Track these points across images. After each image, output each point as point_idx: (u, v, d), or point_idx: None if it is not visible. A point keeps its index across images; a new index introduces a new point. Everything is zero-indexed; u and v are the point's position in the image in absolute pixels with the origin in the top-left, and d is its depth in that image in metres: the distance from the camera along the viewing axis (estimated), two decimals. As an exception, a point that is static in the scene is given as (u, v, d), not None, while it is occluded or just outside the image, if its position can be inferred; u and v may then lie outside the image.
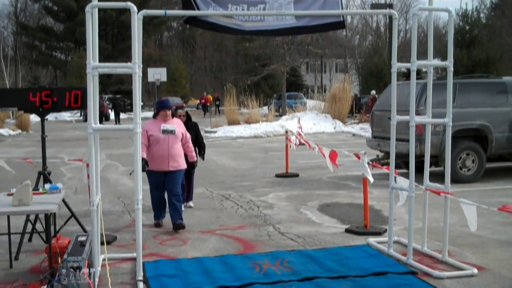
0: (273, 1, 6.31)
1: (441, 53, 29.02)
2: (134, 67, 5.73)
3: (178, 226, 8.25)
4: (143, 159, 7.73)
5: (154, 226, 8.57)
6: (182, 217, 8.43)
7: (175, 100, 47.69)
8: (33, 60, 67.35)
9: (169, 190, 8.37)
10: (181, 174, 8.54)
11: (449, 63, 6.54)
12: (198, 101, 59.47)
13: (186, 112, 9.69)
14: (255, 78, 44.62)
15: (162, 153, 8.20)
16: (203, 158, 9.79)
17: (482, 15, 36.39)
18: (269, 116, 32.73)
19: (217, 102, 51.10)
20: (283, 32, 6.85)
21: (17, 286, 5.61)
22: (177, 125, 8.44)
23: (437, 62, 7.74)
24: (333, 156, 9.47)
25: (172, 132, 8.26)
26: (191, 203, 9.97)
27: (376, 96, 33.25)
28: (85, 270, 4.52)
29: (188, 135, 8.72)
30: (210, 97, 52.01)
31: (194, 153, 8.95)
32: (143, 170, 7.47)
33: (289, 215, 9.34)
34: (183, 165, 8.48)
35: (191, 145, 8.81)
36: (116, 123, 37.37)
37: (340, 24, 6.58)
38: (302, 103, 39.02)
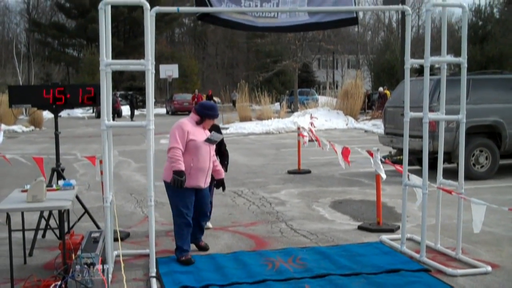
0: (286, -3, 6.29)
1: (454, 49, 28.83)
2: (147, 63, 5.74)
3: (204, 248, 7.10)
4: (180, 172, 6.27)
5: (183, 263, 6.50)
6: None
7: (187, 97, 47.80)
8: (45, 57, 67.74)
9: (201, 210, 6.85)
10: (210, 190, 7.30)
11: (463, 59, 6.50)
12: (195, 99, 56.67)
13: None
14: (267, 75, 44.63)
15: (202, 166, 6.59)
16: (226, 170, 7.75)
17: (495, 10, 36.08)
18: (281, 112, 32.69)
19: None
20: (296, 29, 6.82)
21: (31, 282, 5.65)
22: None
23: (450, 58, 7.70)
24: (345, 152, 9.45)
25: (217, 142, 6.86)
26: (209, 224, 8.26)
27: (387, 92, 33.16)
28: (98, 267, 4.54)
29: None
30: (204, 96, 47.76)
31: (221, 168, 7.24)
32: (179, 185, 6.27)
33: (301, 212, 9.33)
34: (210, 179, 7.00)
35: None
36: (131, 119, 37.54)
37: (353, 20, 6.54)
38: (314, 100, 38.93)
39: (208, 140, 6.59)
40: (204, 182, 6.66)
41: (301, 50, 42.14)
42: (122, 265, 5.23)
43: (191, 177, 6.47)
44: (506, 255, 6.76)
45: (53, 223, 7.46)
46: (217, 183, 7.13)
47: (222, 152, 7.92)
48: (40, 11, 79.69)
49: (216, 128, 7.21)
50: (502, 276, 6.02)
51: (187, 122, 6.60)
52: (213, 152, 6.82)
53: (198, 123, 6.66)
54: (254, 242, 7.57)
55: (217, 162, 7.17)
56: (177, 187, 6.30)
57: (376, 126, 26.50)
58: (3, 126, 8.17)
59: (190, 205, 6.57)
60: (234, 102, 47.72)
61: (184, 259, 6.48)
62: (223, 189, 7.21)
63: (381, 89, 34.31)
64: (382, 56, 48.53)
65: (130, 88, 56.92)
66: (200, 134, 6.58)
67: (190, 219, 6.58)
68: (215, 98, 57.79)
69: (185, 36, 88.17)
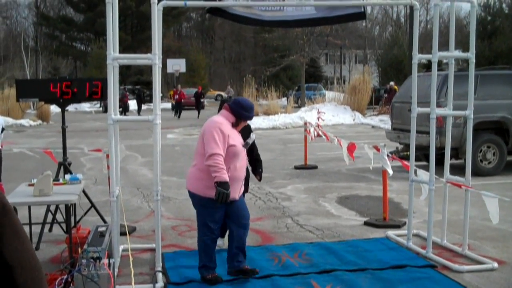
0: (293, -9, 6.28)
1: (462, 44, 28.66)
2: (154, 58, 5.73)
3: (252, 272, 5.83)
4: (225, 184, 5.30)
5: (209, 282, 5.74)
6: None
7: (193, 92, 47.64)
8: (53, 51, 67.81)
9: (239, 223, 5.75)
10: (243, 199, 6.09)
11: (471, 55, 6.47)
12: (193, 93, 45.73)
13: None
14: (274, 69, 44.54)
15: (239, 175, 5.64)
16: (260, 179, 6.98)
17: (504, 5, 35.84)
18: (288, 107, 32.65)
19: (202, 99, 38.13)
20: (302, 23, 6.82)
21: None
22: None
23: (458, 53, 7.66)
24: (351, 148, 9.43)
25: (247, 145, 5.83)
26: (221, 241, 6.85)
27: (396, 87, 33.06)
28: (105, 261, 4.55)
29: None
30: (189, 92, 42.49)
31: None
32: (224, 199, 5.30)
33: (307, 207, 9.32)
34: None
35: None
36: (138, 114, 37.55)
37: (360, 15, 6.51)
38: (321, 95, 38.85)
39: (246, 145, 5.74)
40: (238, 193, 5.70)
41: (308, 45, 42.03)
42: (131, 259, 5.24)
43: None
44: (513, 251, 6.74)
45: (59, 217, 7.49)
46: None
47: (253, 157, 6.81)
48: (48, 4, 79.79)
49: (248, 129, 6.22)
50: (509, 272, 6.00)
51: (224, 123, 5.56)
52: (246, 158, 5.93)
53: (234, 125, 5.67)
54: (260, 237, 7.57)
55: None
56: (221, 202, 5.32)
57: (383, 121, 26.44)
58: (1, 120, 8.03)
59: (219, 219, 5.67)
60: (230, 98, 47.10)
61: (211, 277, 5.72)
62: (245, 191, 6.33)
63: (392, 83, 34.12)
64: (389, 51, 48.32)
65: (137, 83, 56.94)
66: (237, 137, 5.63)
67: (218, 234, 5.79)
68: (220, 92, 57.48)
69: (192, 30, 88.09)
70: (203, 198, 5.51)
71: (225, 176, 5.29)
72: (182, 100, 36.45)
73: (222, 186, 5.26)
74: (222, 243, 6.83)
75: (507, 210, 8.20)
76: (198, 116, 34.22)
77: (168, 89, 57.94)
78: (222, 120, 5.57)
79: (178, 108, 35.67)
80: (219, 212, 5.58)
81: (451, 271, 6.00)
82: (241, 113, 5.62)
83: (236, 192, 5.59)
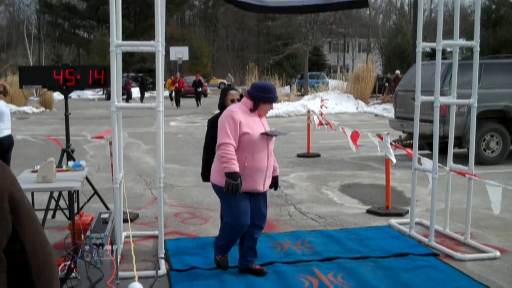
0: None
1: (466, 33, 28.64)
2: (157, 45, 5.71)
3: (260, 272, 5.63)
4: (234, 174, 5.08)
5: (217, 263, 5.75)
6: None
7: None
8: (56, 38, 67.73)
9: (253, 218, 5.48)
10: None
11: (476, 43, 6.45)
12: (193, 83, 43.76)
13: (241, 96, 6.26)
14: (277, 58, 44.41)
15: (259, 165, 5.32)
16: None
17: (509, -6, 35.70)
18: (291, 95, 32.59)
19: (199, 89, 35.45)
20: (306, 10, 6.80)
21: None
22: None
23: (463, 42, 7.62)
24: (354, 136, 9.42)
25: (276, 135, 5.52)
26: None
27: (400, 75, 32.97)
28: (107, 247, 4.55)
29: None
30: (188, 80, 40.69)
31: (276, 164, 5.81)
32: (234, 191, 5.08)
33: (310, 195, 9.33)
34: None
35: None
36: (141, 101, 37.49)
37: (363, 3, 6.48)
38: (324, 83, 38.77)
39: (267, 134, 5.36)
40: (262, 184, 5.40)
41: (312, 33, 41.88)
42: (132, 245, 5.25)
43: (246, 179, 5.21)
44: (515, 240, 6.75)
45: (63, 203, 7.51)
46: (273, 181, 5.73)
47: None
48: (51, -8, 79.61)
49: None
50: (511, 261, 6.00)
51: (238, 110, 5.30)
52: (272, 147, 5.51)
53: (252, 109, 5.37)
54: (263, 224, 7.58)
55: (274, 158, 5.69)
56: (231, 193, 5.11)
57: (387, 110, 26.40)
58: None
59: (245, 208, 5.33)
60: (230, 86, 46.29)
61: (220, 259, 5.68)
62: (275, 188, 5.88)
63: (397, 71, 33.92)
64: (393, 40, 48.23)
65: (140, 70, 56.90)
66: (256, 125, 5.31)
67: (246, 223, 5.36)
68: (223, 80, 57.20)
69: (195, 18, 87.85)
70: (220, 187, 5.32)
71: (234, 167, 5.06)
72: (182, 89, 35.04)
73: (231, 177, 5.05)
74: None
75: (510, 199, 8.19)
76: (197, 105, 33.77)
77: (171, 77, 57.98)
78: (236, 108, 5.35)
79: (177, 96, 33.80)
80: (243, 203, 5.31)
81: (453, 260, 6.01)
82: (258, 96, 5.32)
83: (258, 183, 5.33)
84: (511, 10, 34.02)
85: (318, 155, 13.63)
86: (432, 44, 6.56)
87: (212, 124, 5.98)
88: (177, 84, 34.02)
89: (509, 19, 33.08)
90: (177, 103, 33.32)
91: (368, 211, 8.19)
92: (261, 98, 5.33)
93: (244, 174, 5.19)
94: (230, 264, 5.77)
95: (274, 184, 5.73)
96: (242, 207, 5.30)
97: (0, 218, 1.70)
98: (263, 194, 5.55)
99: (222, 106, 6.12)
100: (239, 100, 6.01)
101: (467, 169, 6.59)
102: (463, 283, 5.38)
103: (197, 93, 35.00)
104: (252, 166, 5.25)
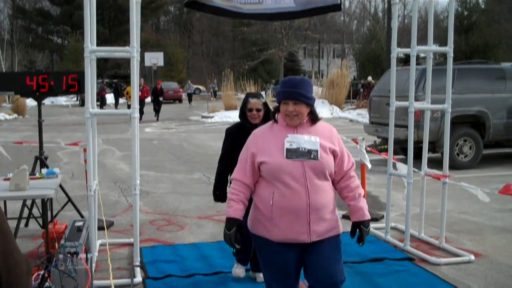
0: (271, -16, 6.26)
1: (439, 39, 28.95)
2: (132, 51, 5.67)
3: None
4: (230, 221, 3.66)
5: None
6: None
7: (172, 85, 47.34)
8: (29, 44, 67.03)
9: (314, 276, 3.75)
10: (338, 246, 3.92)
11: (449, 49, 6.51)
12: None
13: (265, 104, 5.51)
14: (252, 63, 44.58)
15: (292, 204, 3.56)
16: None
17: (480, 0, 36.28)
18: (267, 101, 32.58)
19: (161, 98, 29.52)
20: (281, 16, 6.79)
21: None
22: (320, 137, 3.76)
23: (437, 47, 7.70)
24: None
25: (311, 154, 3.60)
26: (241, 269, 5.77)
27: (373, 82, 33.27)
28: (82, 256, 4.50)
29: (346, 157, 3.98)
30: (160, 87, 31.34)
31: (364, 203, 4.08)
32: (229, 244, 3.66)
33: (286, 201, 9.31)
34: (338, 227, 3.94)
35: (357, 181, 4.04)
36: (116, 108, 37.21)
37: (336, 7, 6.53)
38: (299, 89, 38.78)
39: (292, 153, 3.58)
40: (307, 232, 3.61)
41: (287, 39, 42.15)
42: (108, 253, 5.20)
43: (276, 223, 3.59)
44: (489, 244, 6.81)
45: (36, 212, 7.40)
46: (352, 226, 4.02)
47: None
48: (24, -3, 78.81)
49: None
50: (485, 264, 6.06)
51: (259, 133, 3.79)
52: (325, 172, 3.66)
53: (276, 121, 3.77)
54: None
55: (361, 191, 4.04)
56: (231, 245, 3.71)
57: (361, 115, 26.58)
58: None
59: (282, 272, 3.72)
60: (215, 92, 46.50)
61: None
62: (358, 240, 4.10)
63: (369, 78, 34.35)
64: (367, 46, 48.66)
65: (115, 76, 56.56)
66: (276, 145, 3.62)
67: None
68: (199, 86, 57.06)
69: (170, 24, 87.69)
70: (251, 234, 3.82)
71: (230, 210, 3.65)
72: (144, 98, 27.42)
73: (226, 224, 3.66)
74: (243, 272, 5.73)
75: (483, 204, 8.28)
76: (156, 118, 28.44)
77: (146, 83, 57.67)
78: (259, 131, 3.83)
79: (140, 107, 24.11)
80: (276, 261, 3.70)
81: (428, 264, 6.05)
82: (277, 94, 3.76)
83: (297, 230, 3.59)
84: (483, 16, 34.55)
85: (294, 161, 13.61)
86: (407, 50, 6.61)
87: (230, 134, 5.40)
88: (139, 93, 27.35)
89: (481, 25, 33.60)
90: (141, 114, 24.44)
91: (344, 216, 8.18)
92: (278, 96, 3.74)
93: (273, 217, 3.58)
94: (210, 270, 5.75)
95: (360, 232, 3.99)
96: (273, 268, 3.75)
97: None
98: (326, 245, 3.75)
99: (242, 115, 5.43)
100: (260, 111, 5.35)
101: (441, 173, 6.65)
102: (439, 287, 5.42)
103: (157, 104, 29.05)
104: (282, 206, 3.56)
